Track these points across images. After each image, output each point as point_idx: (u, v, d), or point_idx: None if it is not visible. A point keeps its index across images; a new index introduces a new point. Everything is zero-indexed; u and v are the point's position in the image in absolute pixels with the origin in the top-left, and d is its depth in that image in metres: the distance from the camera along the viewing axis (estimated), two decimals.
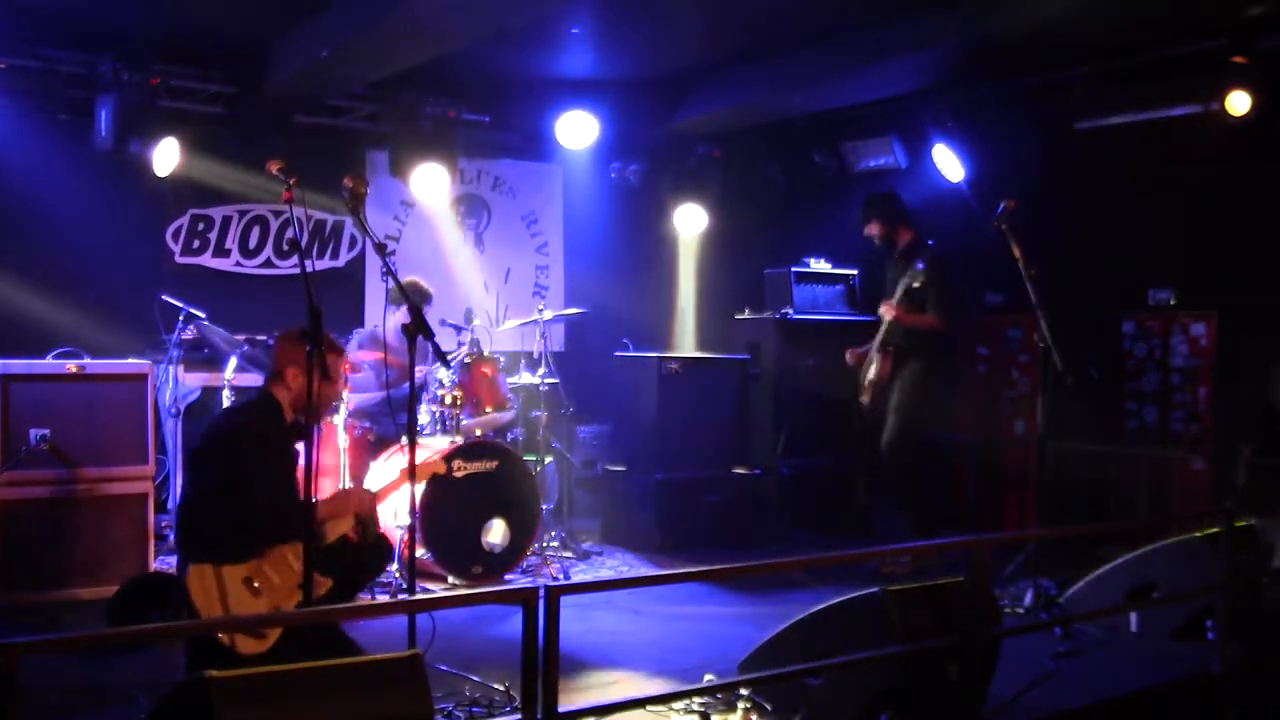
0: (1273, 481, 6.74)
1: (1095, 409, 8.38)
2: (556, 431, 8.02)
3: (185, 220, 8.52)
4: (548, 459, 7.89)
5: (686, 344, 10.07)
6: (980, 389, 9.14)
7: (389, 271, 5.05)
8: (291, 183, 4.39)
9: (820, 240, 9.39)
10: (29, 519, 5.84)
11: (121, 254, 8.00)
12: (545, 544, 7.36)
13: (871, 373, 7.72)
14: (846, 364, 7.99)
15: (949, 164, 8.60)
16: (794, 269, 9.03)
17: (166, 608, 5.26)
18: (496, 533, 6.69)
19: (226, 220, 8.67)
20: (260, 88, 7.97)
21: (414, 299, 5.06)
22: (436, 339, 4.55)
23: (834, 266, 9.20)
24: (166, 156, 7.66)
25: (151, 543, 6.23)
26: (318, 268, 8.90)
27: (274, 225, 8.81)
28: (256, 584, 4.59)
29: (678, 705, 4.38)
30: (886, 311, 7.59)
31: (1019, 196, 6.42)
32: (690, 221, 9.83)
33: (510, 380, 7.56)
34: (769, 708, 4.42)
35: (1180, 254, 8.10)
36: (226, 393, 7.12)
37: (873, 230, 7.84)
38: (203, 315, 7.23)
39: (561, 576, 6.99)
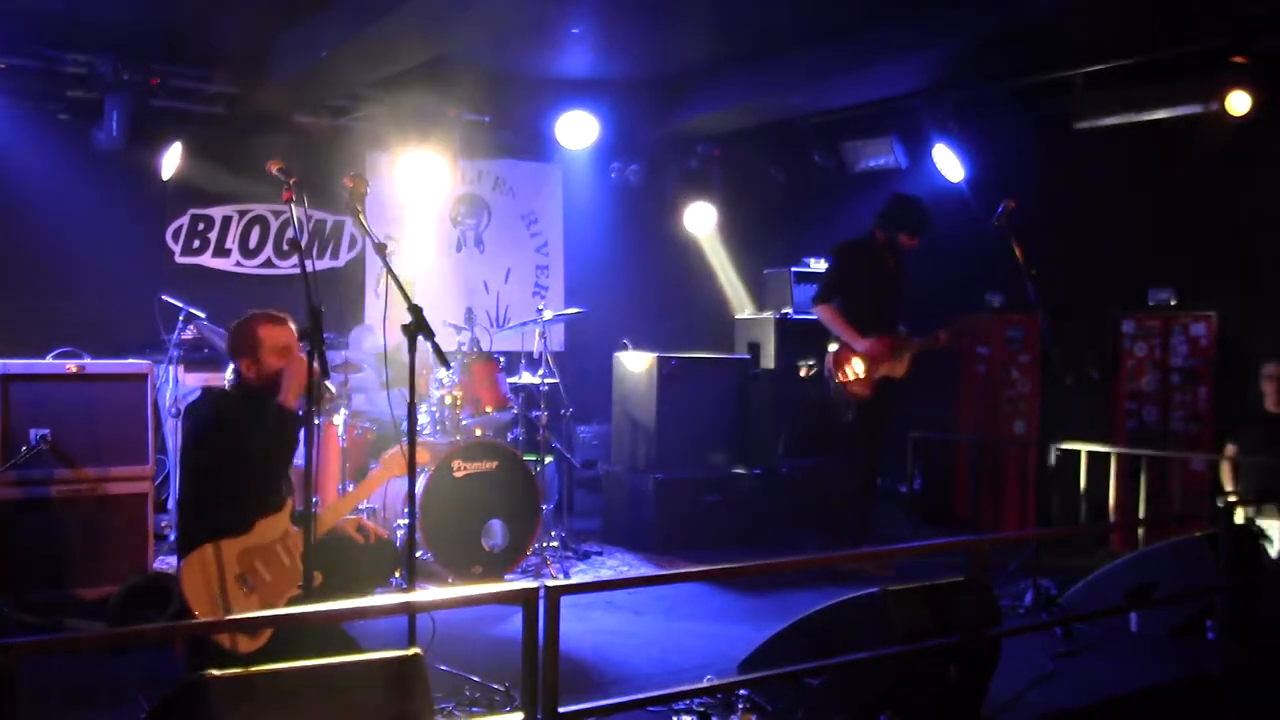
0: (1261, 478, 6.76)
1: (1095, 409, 8.39)
2: (556, 431, 8.02)
3: (185, 220, 8.52)
4: (548, 459, 7.88)
5: (686, 344, 10.08)
6: (980, 389, 9.15)
7: (389, 271, 5.05)
8: (291, 182, 4.39)
9: (820, 240, 9.37)
10: (29, 519, 5.83)
11: (121, 254, 8.00)
12: (545, 544, 7.36)
13: (899, 370, 7.26)
14: (888, 348, 7.22)
15: (949, 164, 8.60)
16: (794, 269, 9.04)
17: (166, 608, 5.26)
18: (496, 533, 6.69)
19: (226, 220, 8.67)
20: (261, 88, 7.96)
21: (409, 294, 5.07)
22: (437, 338, 4.54)
23: None
24: (172, 161, 7.74)
25: (151, 543, 6.23)
26: (318, 268, 8.86)
27: (274, 225, 8.81)
28: (250, 580, 4.60)
29: (678, 705, 4.38)
30: (944, 338, 7.27)
31: (1019, 196, 6.43)
32: (701, 221, 9.86)
33: (510, 380, 7.57)
34: (769, 708, 4.42)
35: (1180, 254, 8.11)
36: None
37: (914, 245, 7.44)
38: (203, 315, 7.23)
39: (561, 576, 6.99)
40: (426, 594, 5.89)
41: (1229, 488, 7.09)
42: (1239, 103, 7.24)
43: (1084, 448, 7.55)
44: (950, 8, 6.91)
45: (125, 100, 7.41)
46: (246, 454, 4.66)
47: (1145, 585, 5.70)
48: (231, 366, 4.93)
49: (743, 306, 9.96)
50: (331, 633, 4.73)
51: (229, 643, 4.42)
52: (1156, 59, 7.54)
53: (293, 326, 4.91)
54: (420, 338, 4.49)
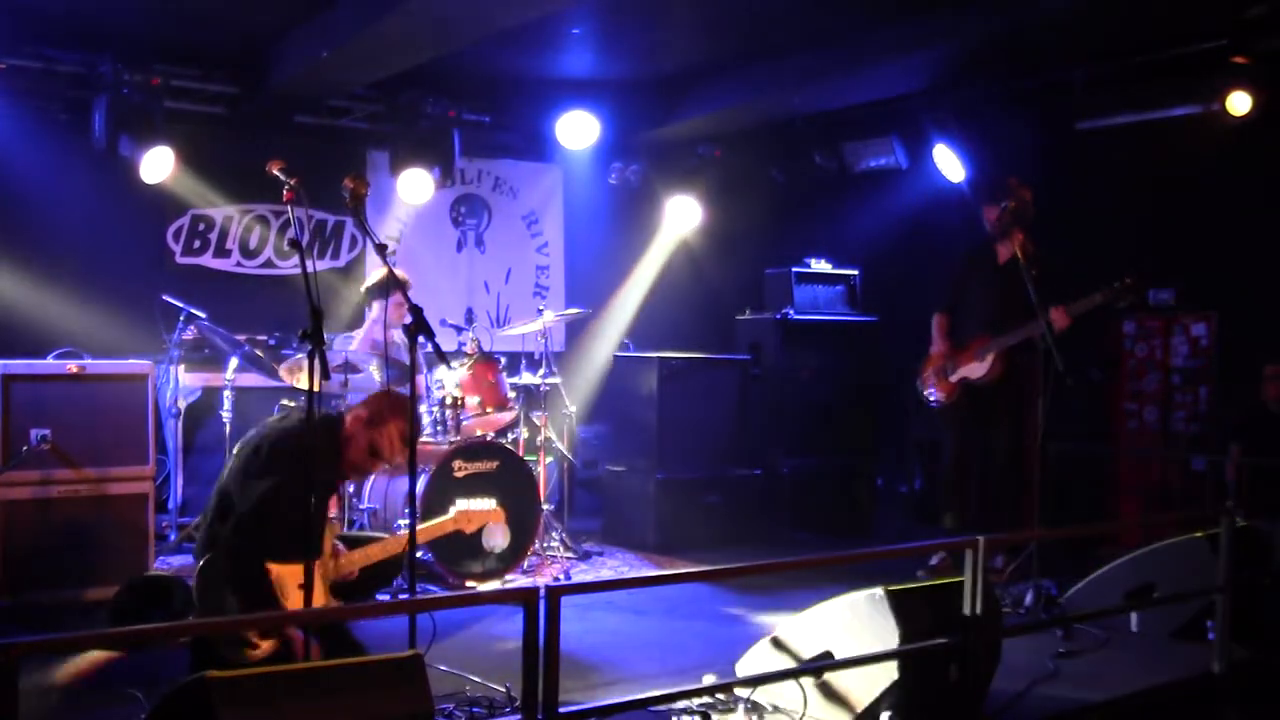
0: (1264, 480, 6.75)
1: (1095, 409, 8.39)
2: (557, 431, 8.02)
3: (186, 220, 8.52)
4: (548, 459, 7.88)
5: (687, 344, 10.08)
6: None
7: (389, 271, 5.05)
8: (292, 183, 4.39)
9: (821, 240, 9.40)
10: (29, 519, 5.84)
11: (122, 254, 8.00)
12: (546, 544, 7.36)
13: (977, 371, 7.02)
14: (968, 351, 7.07)
15: (949, 164, 8.60)
16: (794, 269, 9.03)
17: (167, 608, 5.26)
18: (497, 533, 6.68)
19: (227, 220, 8.67)
20: (261, 88, 7.97)
21: (406, 293, 5.08)
22: (437, 338, 4.54)
23: (834, 267, 9.20)
24: (158, 165, 7.65)
25: (151, 543, 6.23)
26: (318, 268, 8.85)
27: (274, 225, 8.81)
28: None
29: (678, 705, 4.38)
30: (1060, 319, 6.46)
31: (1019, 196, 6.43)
32: (684, 214, 9.80)
33: (511, 380, 7.57)
34: (769, 708, 4.42)
35: (1181, 254, 8.11)
36: (227, 393, 7.12)
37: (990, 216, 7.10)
38: (203, 315, 7.24)
39: (562, 577, 6.99)
40: (427, 595, 5.91)
41: (1232, 488, 7.08)
42: (1239, 103, 7.24)
43: (1085, 448, 7.55)
44: (951, 8, 6.91)
45: (124, 101, 7.40)
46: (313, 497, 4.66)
47: (1145, 585, 5.70)
48: (349, 416, 4.93)
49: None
50: (338, 642, 4.73)
51: (233, 656, 4.41)
52: (1157, 59, 7.54)
53: (405, 456, 4.80)
54: (420, 338, 4.49)
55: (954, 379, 7.10)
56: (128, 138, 7.48)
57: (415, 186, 8.61)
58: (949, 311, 7.33)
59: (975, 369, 7.02)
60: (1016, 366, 6.93)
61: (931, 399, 7.27)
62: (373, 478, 6.70)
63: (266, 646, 4.48)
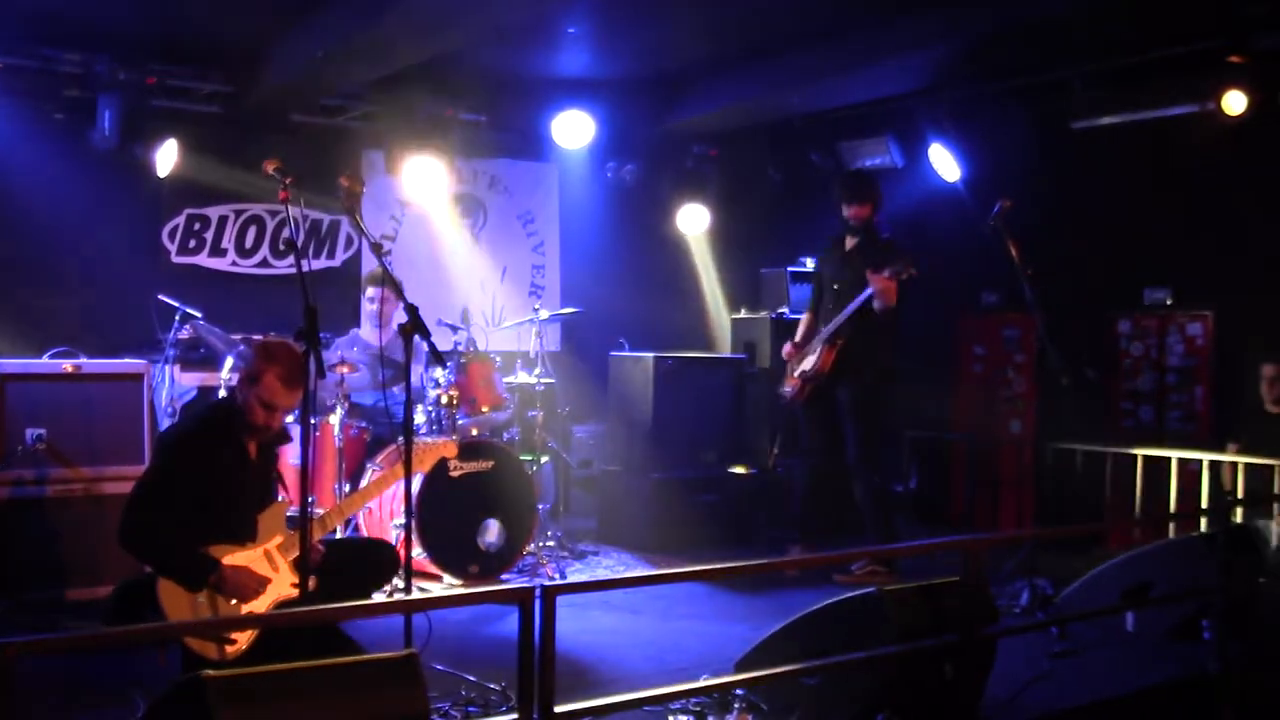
0: (1260, 479, 6.76)
1: (1091, 408, 8.39)
2: (553, 431, 8.02)
3: (181, 220, 8.51)
4: (544, 459, 7.88)
5: (683, 343, 10.08)
6: (977, 388, 9.15)
7: (385, 270, 5.04)
8: (287, 182, 4.38)
9: (817, 240, 9.38)
10: (25, 519, 5.83)
11: (118, 253, 7.99)
12: (541, 544, 7.35)
13: (808, 364, 7.16)
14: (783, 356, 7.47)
15: (945, 164, 8.60)
16: (790, 268, 9.04)
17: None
18: (492, 532, 6.69)
19: (223, 220, 8.66)
20: (257, 87, 7.96)
21: (400, 290, 5.07)
22: (433, 338, 4.54)
23: None
24: (167, 157, 7.74)
25: None
26: (314, 267, 8.90)
27: (270, 225, 8.80)
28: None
29: (674, 705, 4.38)
30: (876, 281, 6.77)
31: (1015, 196, 6.43)
32: (694, 221, 9.86)
33: (506, 380, 7.56)
34: (765, 708, 4.42)
35: (1176, 253, 8.12)
36: (222, 392, 7.11)
37: (862, 213, 7.12)
38: (199, 315, 7.23)
39: (558, 576, 6.99)
40: (423, 594, 5.90)
41: (1229, 487, 7.10)
42: (1235, 102, 7.24)
43: (1080, 447, 7.56)
44: (948, 7, 6.91)
45: (120, 100, 7.41)
46: (218, 481, 4.64)
47: (1141, 585, 5.70)
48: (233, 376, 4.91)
49: (719, 311, 9.98)
50: (328, 635, 4.72)
51: (215, 653, 4.40)
52: (1153, 59, 7.54)
53: (298, 395, 4.65)
54: (416, 337, 4.49)
55: (795, 374, 7.29)
56: (139, 136, 7.55)
57: (425, 182, 8.60)
58: (814, 310, 7.47)
59: (809, 362, 7.20)
60: (850, 355, 7.05)
61: (786, 394, 7.40)
62: (369, 470, 6.69)
63: (242, 641, 4.47)
